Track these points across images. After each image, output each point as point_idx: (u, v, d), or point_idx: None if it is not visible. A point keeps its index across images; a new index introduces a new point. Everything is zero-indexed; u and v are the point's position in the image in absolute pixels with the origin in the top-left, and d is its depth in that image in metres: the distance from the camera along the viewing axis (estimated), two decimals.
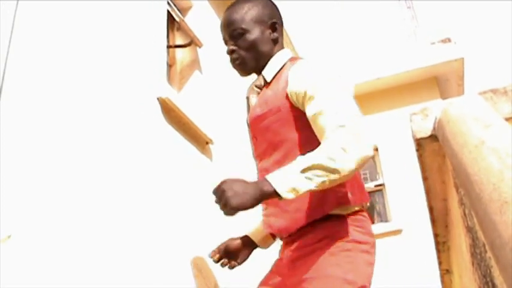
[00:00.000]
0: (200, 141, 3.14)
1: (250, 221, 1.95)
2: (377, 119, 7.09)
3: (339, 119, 1.47)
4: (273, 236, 1.85)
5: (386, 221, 6.91)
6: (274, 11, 1.81)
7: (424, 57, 7.20)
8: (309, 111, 1.56)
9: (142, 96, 2.62)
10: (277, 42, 1.78)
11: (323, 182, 1.41)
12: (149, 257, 2.25)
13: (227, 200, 1.35)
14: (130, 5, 2.74)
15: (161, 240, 2.38)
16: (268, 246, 1.94)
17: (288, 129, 1.63)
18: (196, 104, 3.28)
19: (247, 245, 1.91)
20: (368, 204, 1.71)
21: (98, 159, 2.10)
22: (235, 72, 1.83)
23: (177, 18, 3.53)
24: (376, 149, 7.03)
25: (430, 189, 2.22)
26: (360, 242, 1.58)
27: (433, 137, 1.80)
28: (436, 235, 2.55)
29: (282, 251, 1.75)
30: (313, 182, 1.39)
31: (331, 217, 1.59)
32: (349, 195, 1.59)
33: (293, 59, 1.75)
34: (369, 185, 7.03)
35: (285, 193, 1.38)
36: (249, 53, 1.73)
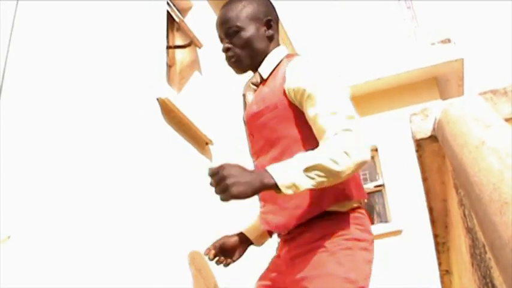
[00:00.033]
0: (200, 142, 3.14)
1: (248, 219, 1.96)
2: (377, 120, 7.09)
3: (342, 122, 1.47)
4: (270, 234, 1.85)
5: (386, 221, 6.90)
6: (270, 8, 1.81)
7: (424, 58, 7.19)
8: (309, 111, 1.56)
9: (142, 97, 2.62)
10: (272, 40, 1.78)
11: (322, 182, 1.42)
12: (149, 257, 2.25)
13: (227, 188, 1.34)
14: (130, 6, 2.74)
15: (161, 240, 2.38)
16: (262, 244, 1.95)
17: (285, 126, 1.64)
18: (196, 104, 3.28)
19: (243, 242, 1.92)
20: (366, 200, 1.71)
21: (97, 160, 2.10)
22: (234, 73, 1.83)
23: (176, 19, 3.53)
24: (376, 150, 7.03)
25: (430, 190, 2.22)
26: (359, 240, 1.58)
27: (433, 138, 1.80)
28: (435, 236, 2.55)
29: (279, 249, 1.76)
30: (313, 181, 1.40)
31: (329, 214, 1.59)
32: (347, 192, 1.60)
33: (290, 56, 1.76)
34: (369, 186, 7.02)
35: (285, 187, 1.38)
36: (244, 51, 1.74)
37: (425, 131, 1.82)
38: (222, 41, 1.78)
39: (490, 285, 1.47)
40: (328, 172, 1.41)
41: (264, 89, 1.72)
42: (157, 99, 2.74)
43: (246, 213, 2.07)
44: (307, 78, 1.59)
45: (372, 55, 7.54)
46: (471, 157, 1.26)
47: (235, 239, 1.91)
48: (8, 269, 1.51)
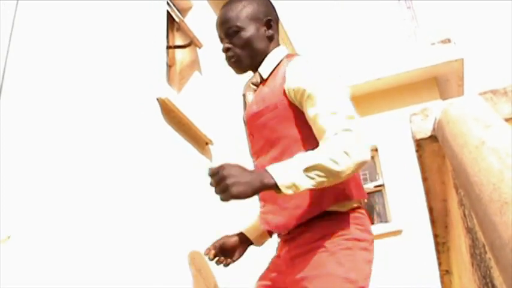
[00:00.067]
0: (200, 142, 3.14)
1: (247, 219, 1.96)
2: (377, 120, 7.09)
3: (342, 122, 1.47)
4: (270, 234, 1.84)
5: (386, 221, 6.90)
6: (270, 8, 1.81)
7: (424, 58, 7.19)
8: (309, 111, 1.56)
9: (142, 97, 2.62)
10: (272, 40, 1.78)
11: (322, 182, 1.42)
12: (149, 257, 2.25)
13: (227, 188, 1.34)
14: (130, 6, 2.74)
15: (161, 241, 2.38)
16: (262, 244, 1.95)
17: (285, 126, 1.64)
18: (196, 104, 3.28)
19: (243, 242, 1.92)
20: (365, 200, 1.71)
21: (97, 160, 2.10)
22: (234, 73, 1.83)
23: (176, 19, 3.53)
24: (376, 150, 7.03)
25: (430, 190, 2.22)
26: (359, 240, 1.58)
27: (433, 138, 1.80)
28: (435, 236, 2.55)
29: (279, 249, 1.76)
30: (313, 181, 1.40)
31: (329, 214, 1.59)
32: (347, 192, 1.60)
33: (290, 56, 1.76)
34: (369, 186, 7.02)
35: (285, 187, 1.38)
36: (244, 51, 1.74)
37: (425, 131, 1.82)
38: (222, 41, 1.78)
39: (490, 285, 1.47)
40: (328, 172, 1.41)
41: (264, 89, 1.72)
42: (157, 99, 2.74)
43: (246, 213, 2.07)
44: (307, 78, 1.59)
45: (371, 55, 7.54)
46: (471, 157, 1.26)
47: (236, 239, 1.91)
48: (8, 269, 1.51)
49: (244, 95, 1.82)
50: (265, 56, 1.76)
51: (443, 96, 7.07)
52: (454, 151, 1.43)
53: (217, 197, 1.37)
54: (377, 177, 7.12)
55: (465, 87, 7.62)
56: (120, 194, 2.19)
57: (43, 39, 1.96)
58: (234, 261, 1.91)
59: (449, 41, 7.18)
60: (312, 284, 1.51)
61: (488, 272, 1.47)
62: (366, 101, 6.99)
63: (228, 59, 1.77)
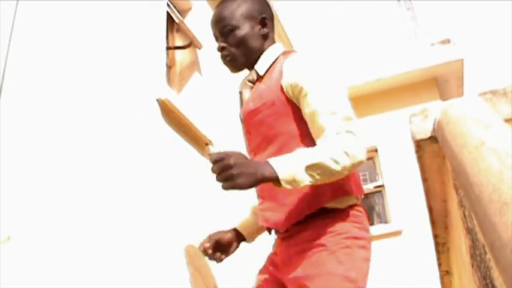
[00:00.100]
0: (200, 143, 3.14)
1: (240, 216, 1.97)
2: (376, 120, 7.08)
3: (343, 123, 1.48)
4: (269, 231, 1.84)
5: (386, 222, 6.90)
6: (264, 6, 1.81)
7: (423, 58, 7.19)
8: (306, 108, 1.56)
9: (142, 98, 2.62)
10: (267, 38, 1.78)
11: (321, 180, 1.44)
12: (149, 258, 2.25)
13: (232, 177, 1.33)
14: (129, 7, 2.74)
15: (161, 241, 2.38)
16: (253, 240, 1.97)
17: (282, 122, 1.64)
18: (196, 105, 3.28)
19: (237, 238, 1.93)
20: (363, 196, 1.72)
21: (97, 160, 2.10)
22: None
23: (176, 20, 3.53)
24: (376, 150, 7.02)
25: (430, 191, 2.21)
26: (357, 238, 1.58)
27: (433, 138, 1.80)
28: (435, 236, 2.55)
29: (276, 246, 1.76)
30: (312, 178, 1.42)
31: (328, 212, 1.59)
32: (346, 187, 1.61)
33: (286, 53, 1.76)
34: (369, 186, 7.01)
35: (285, 182, 1.39)
36: (239, 50, 1.74)
37: (425, 132, 1.82)
38: (217, 40, 1.79)
39: (490, 286, 1.47)
40: (328, 171, 1.42)
41: (261, 86, 1.72)
42: (157, 100, 2.74)
43: (246, 213, 2.07)
44: (304, 74, 1.59)
45: (371, 55, 7.55)
46: (471, 157, 1.26)
47: (231, 235, 1.92)
48: (8, 269, 1.51)
49: (240, 93, 1.82)
50: (261, 54, 1.76)
51: (443, 97, 7.07)
52: (454, 152, 1.43)
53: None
54: (377, 178, 7.12)
55: (465, 88, 7.62)
56: (121, 194, 2.19)
57: (43, 40, 1.96)
58: (226, 256, 1.92)
59: (449, 41, 7.18)
60: (312, 283, 1.51)
61: (488, 272, 1.47)
62: (366, 101, 6.99)
63: (223, 58, 1.78)
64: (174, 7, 3.55)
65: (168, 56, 3.46)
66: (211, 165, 1.36)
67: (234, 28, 1.73)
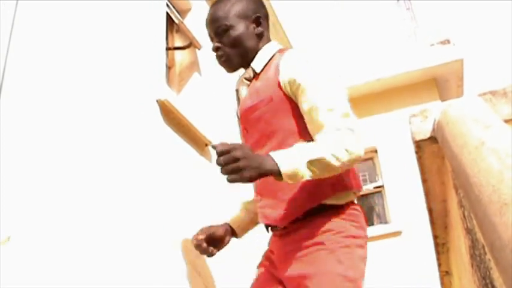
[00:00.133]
0: (199, 143, 3.13)
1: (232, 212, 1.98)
2: (376, 121, 7.08)
3: (343, 120, 1.49)
4: (267, 228, 1.85)
5: (386, 222, 6.90)
6: (258, 5, 1.81)
7: (423, 59, 7.19)
8: (304, 104, 1.57)
9: (141, 98, 2.62)
10: (262, 37, 1.78)
11: (321, 174, 1.45)
12: (149, 258, 2.25)
13: (239, 170, 1.33)
14: (129, 7, 2.74)
15: (161, 241, 2.38)
16: (242, 236, 2.00)
17: (280, 118, 1.64)
18: (196, 105, 3.28)
19: (229, 233, 1.94)
20: (361, 191, 1.73)
21: (97, 161, 2.10)
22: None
23: (176, 20, 3.53)
24: (376, 151, 7.02)
25: (430, 191, 2.22)
26: (355, 237, 1.59)
27: (433, 139, 1.80)
28: (435, 237, 2.55)
29: (271, 243, 1.76)
30: (313, 173, 1.43)
31: (326, 210, 1.59)
32: (345, 182, 1.62)
33: (282, 50, 1.76)
34: (368, 187, 7.01)
35: (286, 176, 1.39)
36: (234, 49, 1.74)
37: (424, 132, 1.82)
38: (212, 40, 1.79)
39: (489, 286, 1.47)
40: (329, 167, 1.43)
41: (258, 83, 1.72)
42: (157, 100, 2.74)
43: (236, 209, 2.09)
44: (301, 70, 1.59)
45: (371, 56, 7.54)
46: (471, 158, 1.26)
47: (223, 230, 1.94)
48: (8, 269, 1.51)
49: (237, 90, 1.82)
50: (256, 53, 1.76)
51: (443, 97, 7.07)
52: (454, 152, 1.43)
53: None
54: (376, 178, 7.12)
55: (465, 88, 7.62)
56: (120, 195, 2.19)
57: (43, 40, 1.96)
58: (218, 251, 1.94)
59: (448, 41, 7.18)
60: (312, 282, 1.51)
61: (488, 273, 1.47)
62: (365, 102, 6.99)
63: (218, 58, 1.78)
64: (174, 7, 3.55)
65: (167, 57, 3.46)
66: (215, 157, 1.35)
67: (228, 28, 1.73)
